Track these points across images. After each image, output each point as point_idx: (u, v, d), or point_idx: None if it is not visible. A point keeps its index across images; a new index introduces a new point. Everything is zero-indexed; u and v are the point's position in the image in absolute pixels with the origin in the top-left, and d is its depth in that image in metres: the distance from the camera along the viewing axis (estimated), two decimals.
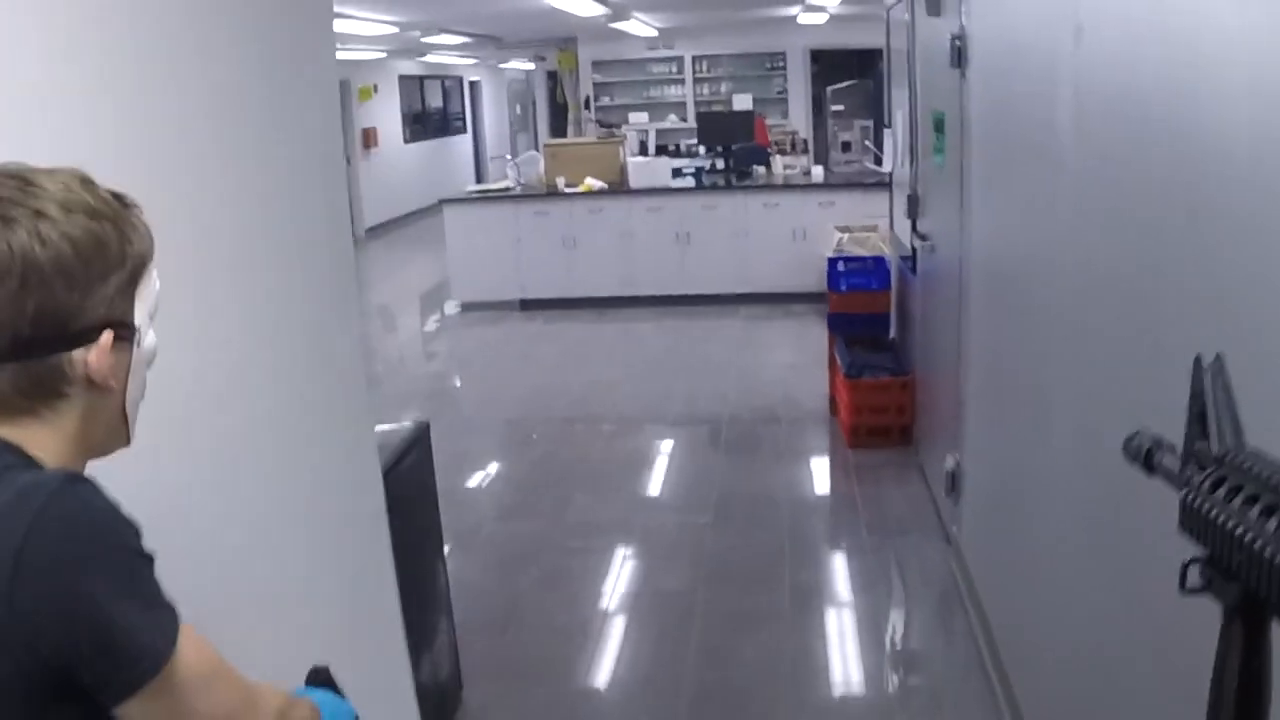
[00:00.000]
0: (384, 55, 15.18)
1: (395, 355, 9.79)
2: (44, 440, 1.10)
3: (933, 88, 4.76)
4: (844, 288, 6.47)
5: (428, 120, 19.93)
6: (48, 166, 1.12)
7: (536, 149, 12.31)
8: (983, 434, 3.96)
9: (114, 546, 1.03)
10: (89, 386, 1.12)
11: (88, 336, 1.10)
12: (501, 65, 21.93)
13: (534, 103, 21.42)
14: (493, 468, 6.36)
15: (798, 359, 7.95)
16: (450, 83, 21.14)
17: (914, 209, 5.36)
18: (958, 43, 3.98)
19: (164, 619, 1.05)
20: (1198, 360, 1.03)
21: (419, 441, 3.33)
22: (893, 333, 6.45)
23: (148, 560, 1.06)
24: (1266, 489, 0.87)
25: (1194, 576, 0.94)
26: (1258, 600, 0.88)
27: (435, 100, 20.47)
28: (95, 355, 1.11)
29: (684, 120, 15.05)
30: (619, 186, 10.10)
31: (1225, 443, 0.97)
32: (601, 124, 14.67)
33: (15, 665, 0.99)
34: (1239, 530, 0.86)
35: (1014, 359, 3.41)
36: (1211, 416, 1.00)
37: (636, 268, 9.88)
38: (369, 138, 16.63)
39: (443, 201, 10.36)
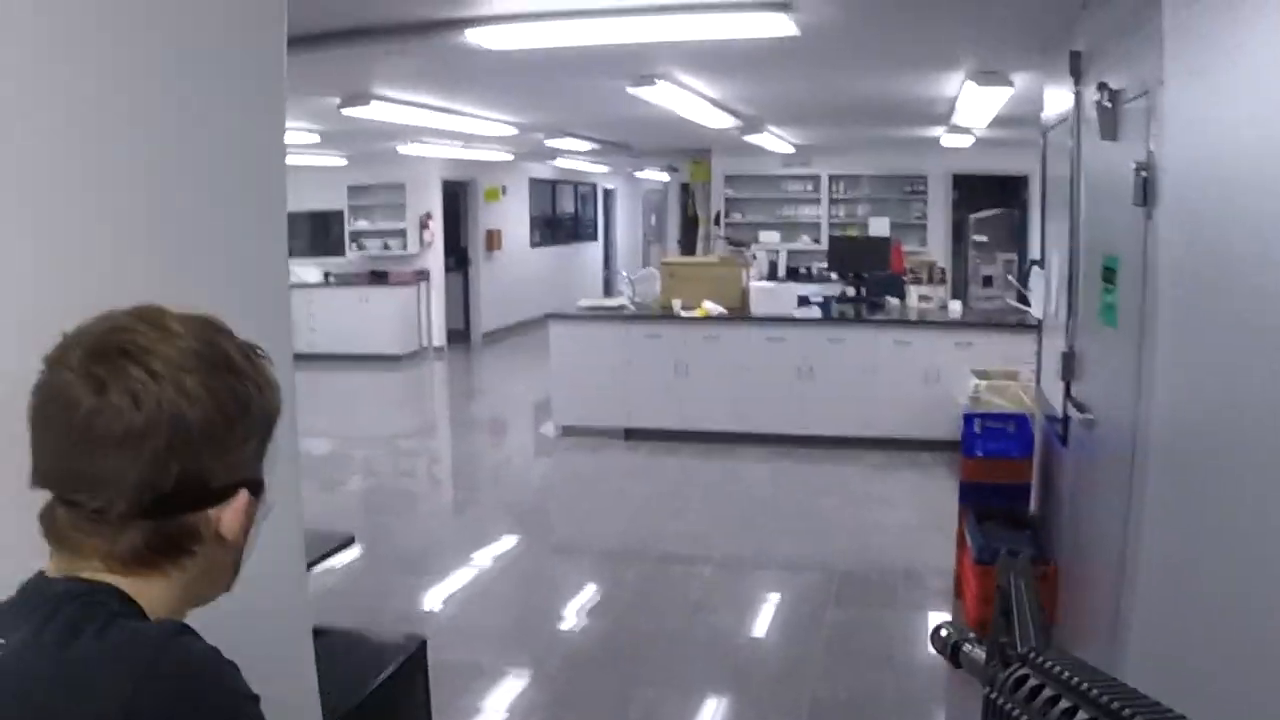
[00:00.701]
0: (512, 157, 14.84)
1: (488, 474, 9.14)
2: (159, 593, 1.09)
3: (1103, 226, 3.88)
4: (980, 453, 5.53)
5: (557, 226, 19.62)
6: (177, 310, 1.11)
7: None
8: (1155, 655, 3.00)
9: (224, 692, 1.03)
10: (216, 542, 1.12)
11: (224, 495, 1.11)
12: (637, 174, 21.62)
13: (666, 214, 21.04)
14: (560, 608, 5.61)
15: (921, 519, 6.98)
16: (585, 189, 20.86)
17: (1069, 369, 4.44)
18: (1144, 174, 3.11)
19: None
20: (1004, 559, 1.05)
21: (412, 661, 2.53)
22: (1033, 508, 5.48)
23: (253, 700, 1.05)
24: (1067, 690, 0.87)
25: None
26: None
27: (566, 205, 20.19)
28: (230, 515, 1.12)
29: (816, 242, 14.27)
30: (739, 312, 9.33)
31: (1029, 640, 0.98)
32: (731, 241, 14.00)
33: None
34: None
35: (1216, 573, 2.49)
36: (1015, 613, 1.01)
37: (751, 402, 9.03)
38: (493, 240, 16.29)
39: (549, 317, 9.75)
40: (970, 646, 1.09)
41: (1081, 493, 4.31)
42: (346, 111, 8.10)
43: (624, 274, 10.15)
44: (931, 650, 1.21)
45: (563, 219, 20.00)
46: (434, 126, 9.44)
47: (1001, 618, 1.03)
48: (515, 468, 9.40)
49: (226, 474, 1.10)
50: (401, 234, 14.80)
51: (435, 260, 14.99)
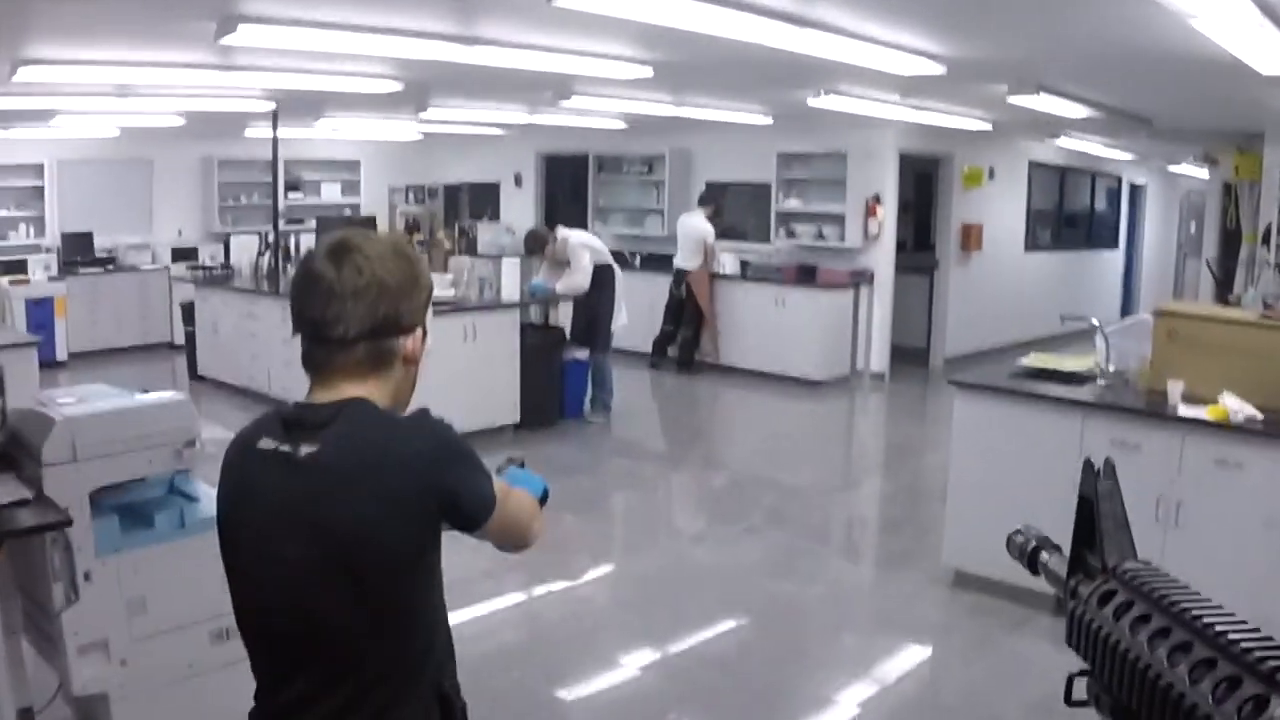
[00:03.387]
0: (990, 126, 10.71)
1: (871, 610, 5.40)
2: (379, 395, 1.80)
3: None
4: None
5: (1065, 225, 15.15)
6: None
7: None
8: None
9: (458, 447, 1.80)
10: (404, 363, 1.84)
11: (409, 329, 1.83)
12: (1171, 167, 16.53)
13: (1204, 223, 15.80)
14: None
15: None
16: (1106, 181, 16.16)
17: None
18: None
19: (488, 482, 1.82)
20: (1088, 463, 0.99)
21: None
22: None
23: (472, 450, 1.81)
24: (1157, 608, 0.84)
25: (1080, 690, 0.89)
26: None
27: (1079, 200, 15.63)
28: (412, 342, 1.84)
29: None
30: None
31: (1115, 552, 0.94)
32: None
33: (423, 513, 1.73)
34: (1130, 654, 0.82)
35: None
36: (1100, 524, 0.97)
37: None
38: (971, 237, 12.25)
39: (953, 384, 5.74)
40: (1049, 554, 1.08)
41: None
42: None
43: (1094, 322, 5.79)
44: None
45: (1074, 217, 15.47)
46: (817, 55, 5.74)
47: (1084, 528, 0.98)
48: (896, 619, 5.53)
49: (410, 317, 1.82)
50: (839, 220, 11.17)
51: (883, 257, 11.22)
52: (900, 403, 10.71)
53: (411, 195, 15.47)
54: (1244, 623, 0.81)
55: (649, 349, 11.73)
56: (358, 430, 1.73)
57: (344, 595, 1.71)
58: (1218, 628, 0.81)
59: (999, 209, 12.86)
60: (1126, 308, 17.43)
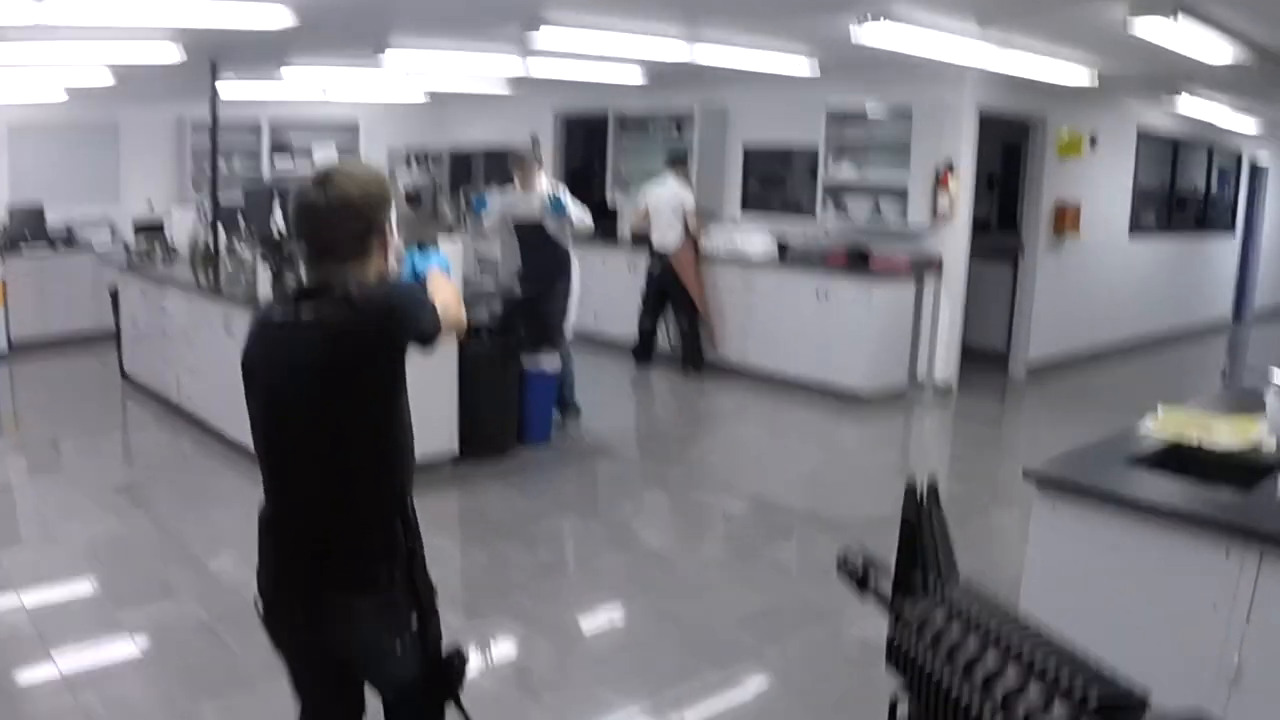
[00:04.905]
0: (1095, 82, 8.51)
1: None
2: (365, 273, 2.43)
3: None
4: None
5: (1176, 207, 12.86)
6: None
7: None
8: None
9: (410, 298, 2.48)
10: (379, 251, 2.47)
11: (380, 228, 2.46)
12: None
13: None
14: None
15: None
16: (1220, 159, 13.81)
17: None
18: None
19: (431, 312, 2.46)
20: (910, 488, 1.02)
21: None
22: None
23: (420, 294, 2.54)
24: (975, 631, 0.85)
25: (901, 713, 0.90)
26: None
27: (1192, 179, 13.31)
28: (381, 238, 2.48)
29: None
30: None
31: (936, 575, 0.95)
32: None
33: (391, 349, 2.38)
34: (944, 683, 0.83)
35: None
36: (923, 546, 0.98)
37: None
38: (1065, 218, 10.05)
39: (1032, 479, 3.75)
40: (875, 576, 1.07)
41: None
42: None
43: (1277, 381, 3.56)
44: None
45: (1185, 198, 13.17)
46: None
47: (907, 548, 0.98)
48: None
49: (383, 218, 2.47)
50: (901, 194, 9.05)
51: (955, 241, 9.05)
52: (970, 425, 8.53)
53: (414, 161, 13.62)
54: (1061, 647, 0.80)
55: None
56: (342, 302, 2.37)
57: (337, 418, 2.38)
58: (1031, 651, 0.80)
59: (1100, 185, 10.62)
60: (1242, 302, 15.09)
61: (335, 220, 2.39)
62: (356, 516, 2.41)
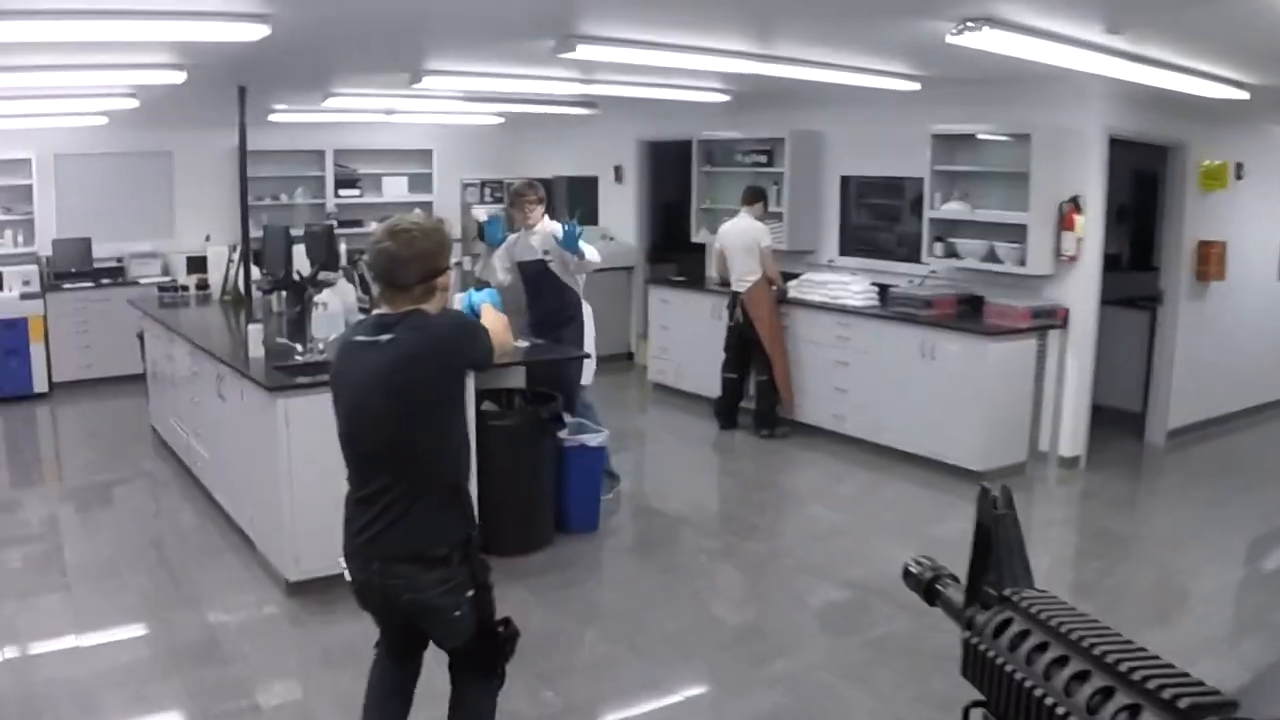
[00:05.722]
0: (1247, 95, 7.22)
1: None
2: (431, 306, 3.08)
3: None
4: None
5: None
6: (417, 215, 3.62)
7: None
8: None
9: (470, 331, 3.22)
10: (441, 290, 3.11)
11: (443, 272, 3.10)
12: None
13: None
14: None
15: None
16: None
17: None
18: None
19: (487, 338, 3.21)
20: (983, 490, 0.99)
21: None
22: None
23: (479, 326, 3.28)
24: (1054, 635, 0.83)
25: None
26: None
27: None
28: (444, 279, 3.12)
29: None
30: None
31: (1011, 582, 0.92)
32: None
33: (455, 371, 3.16)
34: (1026, 683, 0.81)
35: None
36: (997, 553, 0.95)
37: None
38: (1210, 259, 8.73)
39: None
40: (946, 586, 1.05)
41: None
42: None
43: None
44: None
45: None
46: None
47: (980, 556, 0.96)
48: None
49: (444, 264, 3.12)
50: (1019, 233, 7.84)
51: (1082, 289, 7.80)
52: (1100, 510, 7.20)
53: (488, 192, 12.76)
54: (1142, 650, 0.79)
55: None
56: (415, 326, 3.01)
57: (408, 423, 2.98)
58: (1115, 655, 0.79)
59: (1248, 221, 9.28)
60: None
61: (407, 264, 3.03)
62: (422, 503, 3.04)
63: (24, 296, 9.66)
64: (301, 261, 7.27)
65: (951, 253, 8.26)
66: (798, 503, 7.43)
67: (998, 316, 7.68)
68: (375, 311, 3.20)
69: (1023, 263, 7.73)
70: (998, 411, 7.47)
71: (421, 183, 12.63)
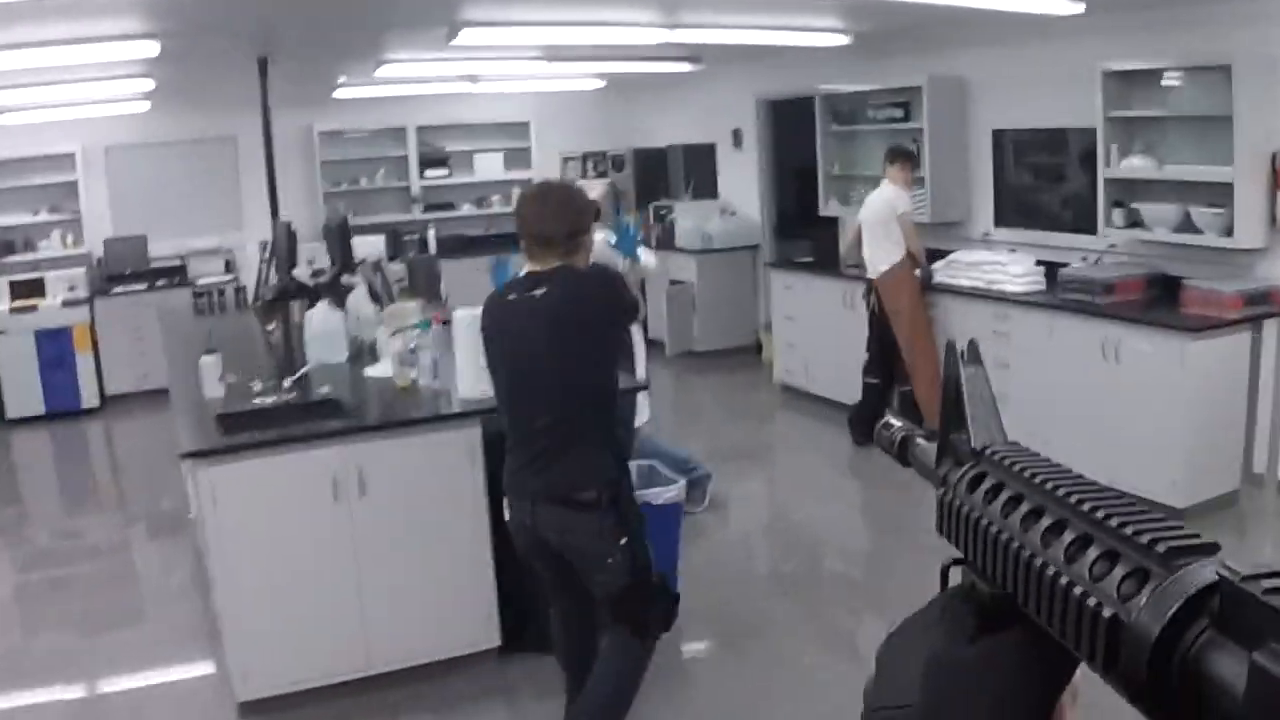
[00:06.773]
0: None
1: None
2: (578, 263, 3.34)
3: None
4: None
5: None
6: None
7: None
8: None
9: (618, 285, 3.50)
10: (586, 245, 3.41)
11: (587, 230, 3.41)
12: None
13: None
14: None
15: None
16: None
17: None
18: None
19: (630, 290, 3.61)
20: (950, 345, 0.91)
21: None
22: None
23: (623, 281, 3.62)
24: (1030, 487, 0.76)
25: (955, 580, 0.82)
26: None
27: None
28: (588, 235, 3.44)
29: None
30: None
31: (984, 434, 0.86)
32: None
33: (609, 321, 3.47)
34: (1003, 536, 0.74)
35: None
36: (967, 407, 0.88)
37: None
38: None
39: None
40: (920, 443, 0.98)
41: None
42: None
43: None
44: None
45: None
46: None
47: (951, 411, 0.86)
48: None
49: (588, 223, 3.42)
50: (1222, 193, 6.07)
51: None
52: None
53: (592, 165, 11.42)
54: (1121, 496, 0.70)
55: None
56: (567, 280, 3.25)
57: (568, 364, 3.20)
58: (1091, 503, 0.71)
59: None
60: None
61: (556, 221, 3.31)
62: (575, 446, 3.26)
63: (66, 304, 8.81)
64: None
65: (1134, 221, 6.55)
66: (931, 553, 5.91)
67: (1199, 304, 5.97)
68: (525, 269, 3.38)
69: (1228, 232, 6.00)
70: (1201, 428, 5.76)
71: (518, 159, 11.41)
